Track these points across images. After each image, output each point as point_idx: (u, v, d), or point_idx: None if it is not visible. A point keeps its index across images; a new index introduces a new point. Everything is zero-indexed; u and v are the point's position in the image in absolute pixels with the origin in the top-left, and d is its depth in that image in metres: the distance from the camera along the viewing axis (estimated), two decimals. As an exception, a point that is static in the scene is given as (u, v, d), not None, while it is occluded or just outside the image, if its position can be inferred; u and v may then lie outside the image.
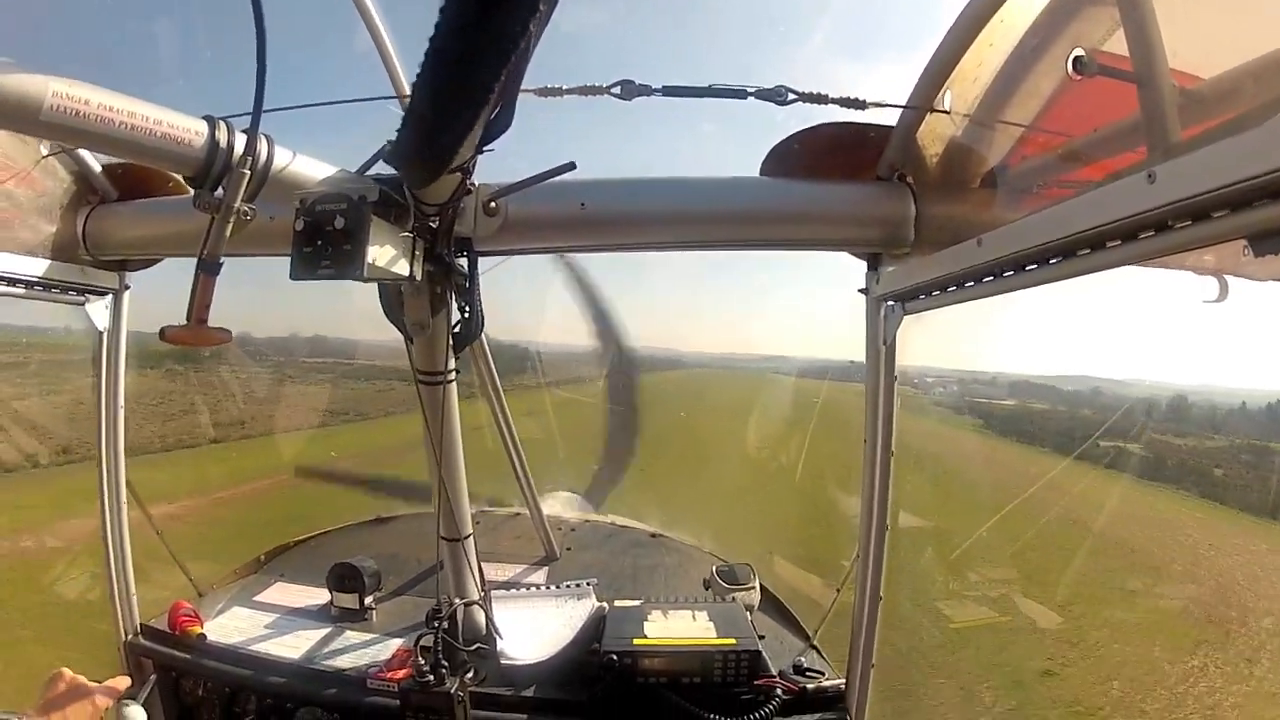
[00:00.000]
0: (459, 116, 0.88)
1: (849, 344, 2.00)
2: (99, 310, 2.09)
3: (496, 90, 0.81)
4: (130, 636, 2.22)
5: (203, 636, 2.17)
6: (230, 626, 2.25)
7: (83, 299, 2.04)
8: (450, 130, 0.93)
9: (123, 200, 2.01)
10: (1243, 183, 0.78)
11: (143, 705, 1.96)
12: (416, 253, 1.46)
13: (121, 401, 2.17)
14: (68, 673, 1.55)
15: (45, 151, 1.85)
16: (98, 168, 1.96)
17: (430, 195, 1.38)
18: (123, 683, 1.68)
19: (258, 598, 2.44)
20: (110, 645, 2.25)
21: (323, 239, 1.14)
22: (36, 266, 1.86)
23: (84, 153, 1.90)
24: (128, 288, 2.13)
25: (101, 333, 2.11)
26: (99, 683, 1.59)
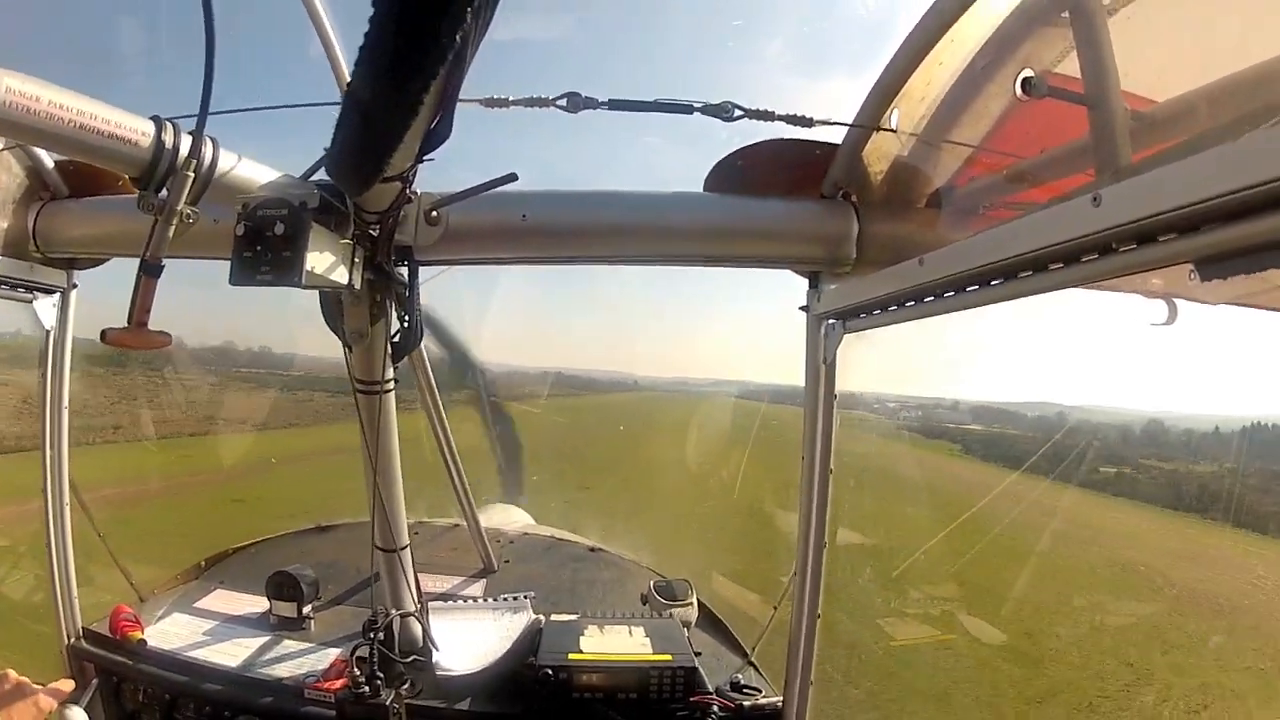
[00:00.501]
0: (390, 125, 0.88)
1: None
2: (46, 308, 2.07)
3: (428, 99, 0.81)
4: (72, 640, 2.19)
5: (143, 642, 2.15)
6: (170, 632, 2.22)
7: (31, 296, 2.02)
8: (382, 139, 0.92)
9: (74, 197, 2.00)
10: (1189, 206, 0.77)
11: (85, 709, 1.93)
12: (356, 260, 1.45)
13: (66, 401, 2.15)
14: (12, 674, 1.54)
15: (0, 146, 1.84)
16: (50, 163, 1.95)
17: (370, 203, 1.37)
18: (66, 686, 1.66)
19: (198, 604, 2.42)
20: (52, 648, 2.22)
21: (263, 244, 1.13)
22: None
23: (37, 148, 1.89)
24: (75, 286, 2.11)
25: (48, 331, 2.09)
26: (43, 685, 1.58)
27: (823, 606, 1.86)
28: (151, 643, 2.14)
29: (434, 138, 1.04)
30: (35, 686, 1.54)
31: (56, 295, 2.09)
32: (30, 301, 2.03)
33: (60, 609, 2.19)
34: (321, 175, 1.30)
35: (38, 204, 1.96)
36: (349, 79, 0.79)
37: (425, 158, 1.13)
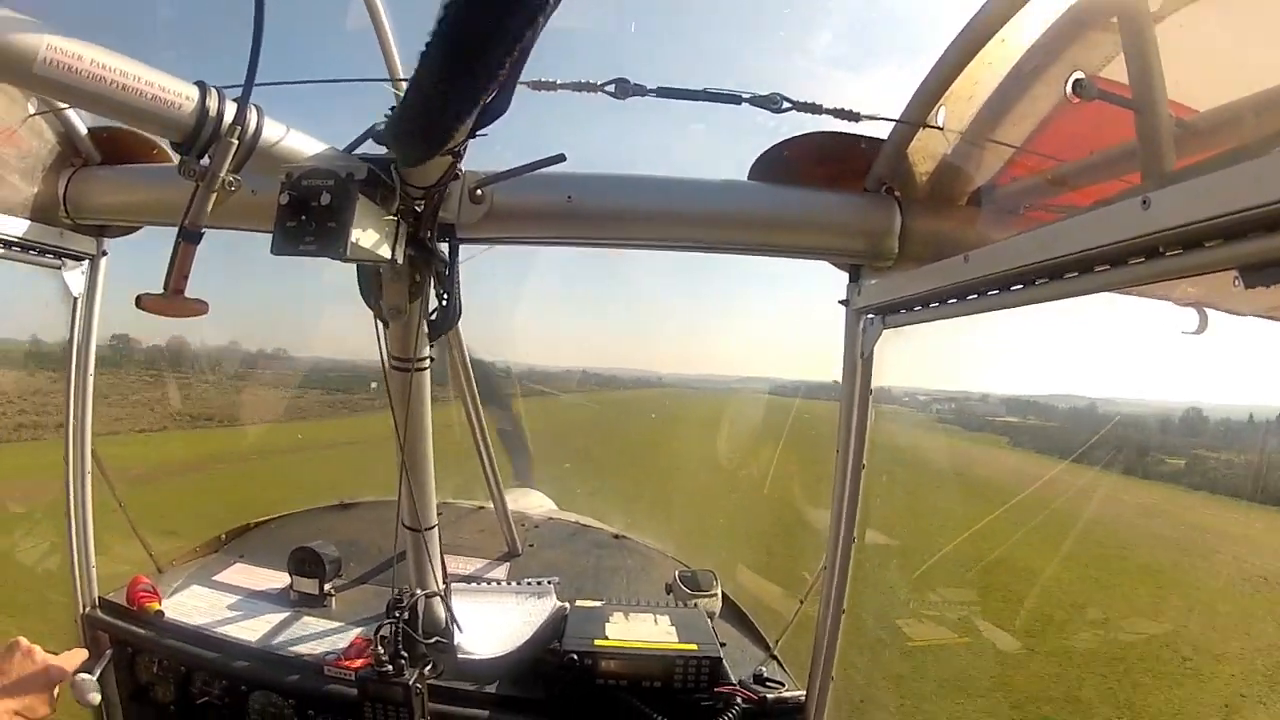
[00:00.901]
0: (462, 95, 0.86)
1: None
2: (75, 276, 2.06)
3: (505, 70, 0.79)
4: (88, 609, 2.18)
5: (160, 613, 2.13)
6: (188, 605, 2.21)
7: (60, 263, 2.01)
8: (451, 109, 0.91)
9: (106, 165, 1.98)
10: (1238, 213, 0.78)
11: (98, 680, 1.92)
12: (399, 235, 1.44)
13: (91, 370, 2.14)
14: (24, 642, 1.52)
15: (32, 109, 1.82)
16: (83, 129, 1.93)
17: (418, 177, 1.36)
18: (79, 656, 1.65)
19: (217, 577, 2.41)
20: (68, 616, 2.21)
21: (307, 215, 1.12)
22: (15, 227, 1.83)
23: (70, 113, 1.87)
24: (105, 254, 2.10)
25: (75, 299, 2.08)
26: (55, 654, 1.56)
27: (849, 602, 1.87)
28: (169, 614, 2.14)
29: (491, 112, 1.02)
30: (47, 655, 1.53)
31: (85, 263, 2.07)
32: (59, 268, 2.02)
33: (77, 577, 2.18)
34: (365, 149, 1.30)
35: (69, 170, 1.95)
36: (420, 48, 0.77)
37: (479, 132, 1.12)
